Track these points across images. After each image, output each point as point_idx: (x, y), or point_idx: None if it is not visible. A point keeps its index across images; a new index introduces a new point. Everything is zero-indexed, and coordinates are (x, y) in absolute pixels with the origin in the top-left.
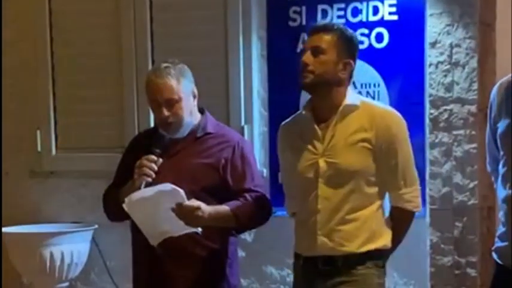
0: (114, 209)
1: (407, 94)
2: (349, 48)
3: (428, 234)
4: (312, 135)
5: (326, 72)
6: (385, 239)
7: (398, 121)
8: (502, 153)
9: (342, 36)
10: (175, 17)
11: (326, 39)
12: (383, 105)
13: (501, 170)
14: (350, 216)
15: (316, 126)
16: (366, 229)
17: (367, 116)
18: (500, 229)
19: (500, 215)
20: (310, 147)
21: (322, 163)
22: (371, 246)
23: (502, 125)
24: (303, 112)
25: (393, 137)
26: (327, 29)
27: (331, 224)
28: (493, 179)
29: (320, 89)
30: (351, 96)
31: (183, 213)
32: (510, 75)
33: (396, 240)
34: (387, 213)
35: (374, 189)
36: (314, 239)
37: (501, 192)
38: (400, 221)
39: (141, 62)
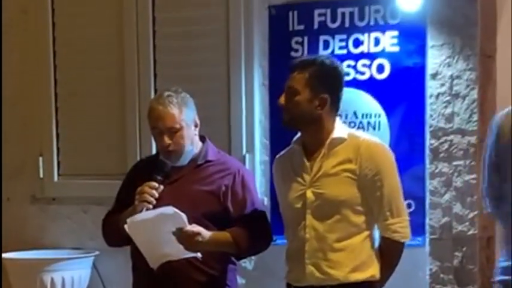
0: (113, 234)
1: (408, 124)
2: (325, 83)
3: (427, 264)
4: (301, 168)
5: (301, 112)
6: (373, 270)
7: (383, 153)
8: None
9: (317, 73)
10: (178, 45)
11: (299, 79)
12: (370, 137)
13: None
14: (337, 245)
15: (304, 159)
16: (353, 258)
17: (352, 148)
18: (503, 262)
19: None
20: (299, 179)
21: (309, 194)
22: (358, 276)
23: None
24: (294, 147)
25: (377, 168)
26: (301, 67)
27: (318, 253)
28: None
29: (301, 126)
30: (338, 130)
31: (184, 237)
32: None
33: (386, 271)
34: (377, 244)
35: (361, 219)
36: (303, 269)
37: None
38: (388, 252)
39: (144, 89)
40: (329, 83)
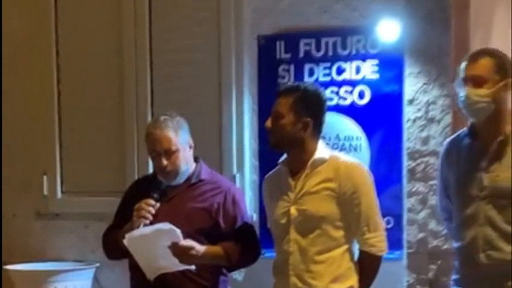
0: (113, 248)
1: (387, 147)
2: (308, 108)
3: (405, 276)
4: (286, 186)
5: (286, 134)
6: (352, 281)
7: (361, 173)
8: (454, 207)
9: (300, 98)
10: (174, 72)
11: (284, 104)
12: (349, 159)
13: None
14: (318, 257)
15: (289, 178)
16: (333, 270)
17: (333, 168)
18: (454, 276)
19: (456, 261)
20: (285, 196)
21: (293, 210)
22: (338, 287)
23: (452, 181)
24: (280, 167)
25: (355, 186)
26: (286, 93)
27: (301, 265)
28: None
29: (286, 147)
30: (320, 151)
31: (178, 251)
32: (458, 132)
33: (365, 282)
34: (356, 257)
35: (340, 233)
36: (287, 280)
37: (455, 241)
38: (366, 264)
39: (142, 113)
40: (312, 107)
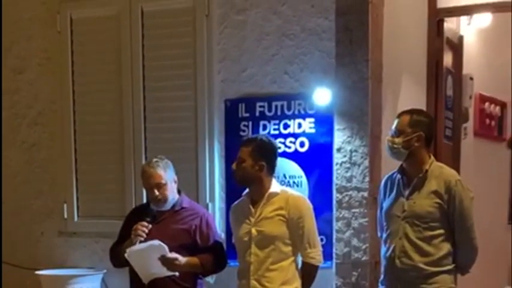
0: (117, 259)
1: (321, 184)
2: (263, 154)
3: (334, 280)
4: (248, 212)
5: (247, 174)
6: (296, 284)
7: (304, 203)
8: (385, 223)
9: (257, 147)
10: (162, 127)
11: (245, 151)
12: (295, 192)
13: (383, 235)
14: (272, 266)
15: (251, 206)
16: (283, 276)
17: (283, 200)
18: (381, 277)
19: (382, 266)
20: (247, 220)
21: (253, 231)
22: None
23: (385, 205)
24: (244, 198)
25: (300, 213)
26: (247, 143)
27: (259, 272)
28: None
29: (247, 184)
30: (274, 186)
31: (166, 261)
32: (392, 172)
33: (306, 285)
34: (299, 266)
35: (288, 249)
36: (248, 283)
37: (382, 251)
38: (307, 272)
39: (138, 157)
40: (266, 154)
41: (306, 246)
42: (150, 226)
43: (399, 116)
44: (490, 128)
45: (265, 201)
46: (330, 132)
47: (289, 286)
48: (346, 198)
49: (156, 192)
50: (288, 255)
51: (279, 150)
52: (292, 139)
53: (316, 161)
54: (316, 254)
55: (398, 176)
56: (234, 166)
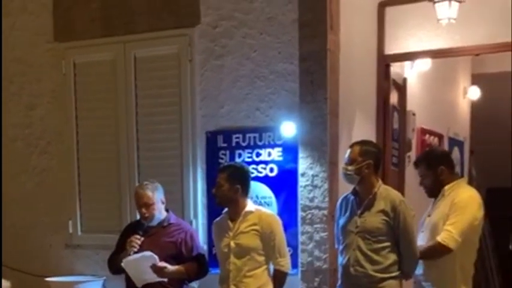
0: (114, 268)
1: (288, 203)
2: (237, 179)
3: (300, 285)
4: (228, 228)
5: (225, 197)
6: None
7: (275, 220)
8: (341, 237)
9: (232, 173)
10: (153, 155)
11: (222, 177)
12: (268, 211)
13: (340, 247)
14: (248, 273)
15: (230, 222)
16: (257, 282)
17: (258, 217)
18: (338, 282)
19: (339, 273)
20: (226, 234)
21: (232, 243)
22: None
23: (341, 222)
24: (224, 215)
25: (271, 228)
26: (224, 169)
27: (237, 278)
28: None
29: (226, 204)
30: (249, 206)
31: (156, 269)
32: (346, 193)
33: None
34: (271, 273)
35: (262, 258)
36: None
37: (339, 260)
38: (278, 278)
39: (132, 180)
40: (240, 178)
41: (277, 256)
42: (143, 239)
43: (351, 146)
44: None
45: (242, 218)
46: (295, 160)
47: None
48: (309, 216)
49: (144, 210)
50: (262, 264)
51: (252, 175)
52: (263, 165)
53: (284, 184)
54: (285, 263)
55: (352, 197)
56: (214, 191)
